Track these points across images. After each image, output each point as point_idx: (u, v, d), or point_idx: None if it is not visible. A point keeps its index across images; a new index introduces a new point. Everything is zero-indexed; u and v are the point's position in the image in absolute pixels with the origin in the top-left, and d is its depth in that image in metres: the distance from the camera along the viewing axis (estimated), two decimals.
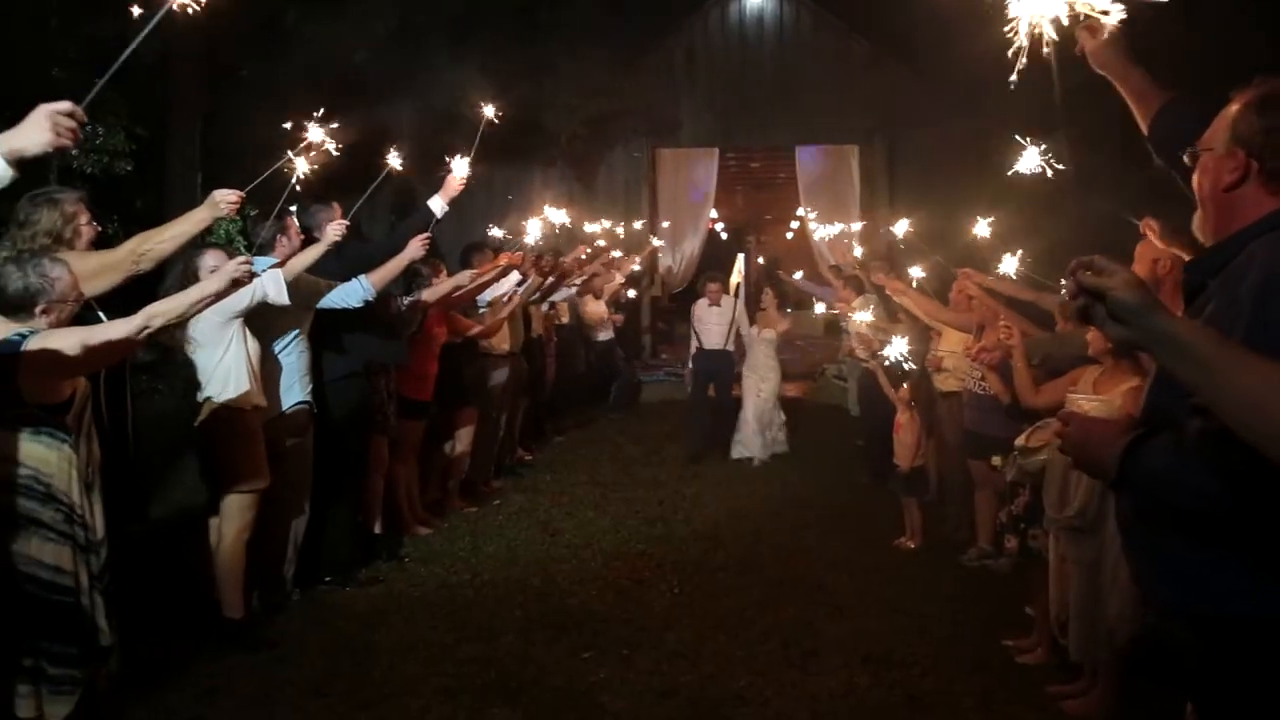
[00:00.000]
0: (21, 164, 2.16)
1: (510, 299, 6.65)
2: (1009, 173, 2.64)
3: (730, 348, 8.32)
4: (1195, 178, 1.70)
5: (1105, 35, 2.12)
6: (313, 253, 4.22)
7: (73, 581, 2.83)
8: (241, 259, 3.18)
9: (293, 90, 8.60)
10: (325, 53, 9.83)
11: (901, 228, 6.20)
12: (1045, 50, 1.92)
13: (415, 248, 4.79)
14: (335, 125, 3.81)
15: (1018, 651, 4.08)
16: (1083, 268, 1.34)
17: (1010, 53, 1.92)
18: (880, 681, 3.84)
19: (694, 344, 8.48)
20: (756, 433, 7.96)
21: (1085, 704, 3.53)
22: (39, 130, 2.13)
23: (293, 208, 4.73)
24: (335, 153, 3.81)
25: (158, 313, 2.91)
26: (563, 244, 8.79)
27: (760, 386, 8.08)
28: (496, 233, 6.35)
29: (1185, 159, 1.72)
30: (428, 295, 5.37)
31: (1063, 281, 1.48)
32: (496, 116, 4.93)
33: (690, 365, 8.62)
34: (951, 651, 4.11)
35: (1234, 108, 1.63)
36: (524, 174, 12.91)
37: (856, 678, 3.87)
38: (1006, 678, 3.87)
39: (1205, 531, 1.50)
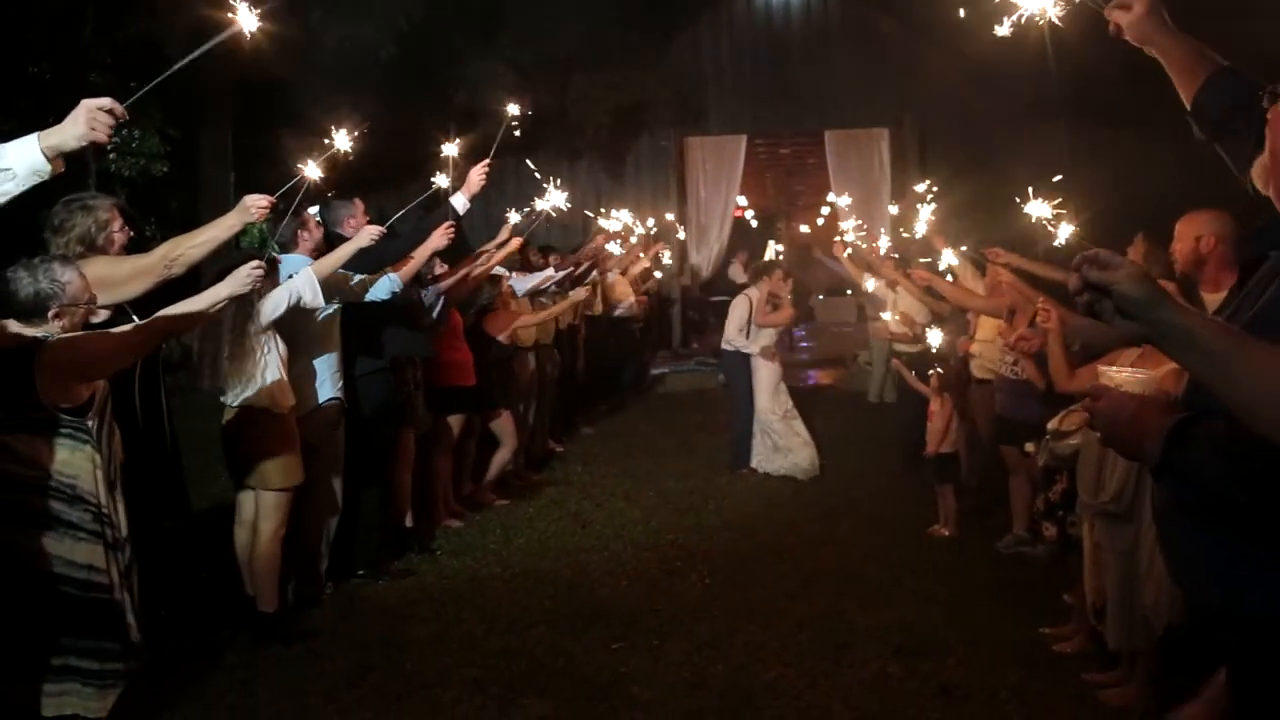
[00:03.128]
0: (66, 160, 2.26)
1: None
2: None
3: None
4: (1270, 128, 1.56)
5: (1140, 8, 2.05)
6: (343, 252, 4.25)
7: (108, 579, 2.88)
8: (254, 264, 3.21)
9: (320, 88, 8.67)
10: (350, 50, 9.89)
11: (925, 214, 6.11)
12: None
13: (439, 238, 4.81)
14: (361, 129, 3.85)
15: (1055, 640, 4.01)
16: (1088, 263, 1.30)
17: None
18: (914, 672, 3.79)
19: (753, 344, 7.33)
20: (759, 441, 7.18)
21: (1123, 694, 3.47)
22: (75, 124, 2.20)
23: (314, 206, 4.79)
24: (349, 154, 3.83)
25: (173, 316, 2.95)
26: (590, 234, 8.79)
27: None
28: (515, 217, 6.40)
29: (1264, 100, 1.58)
30: (443, 287, 5.42)
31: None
32: (522, 112, 4.93)
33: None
34: (986, 641, 4.05)
35: None
36: (551, 166, 12.90)
37: (889, 668, 3.83)
38: (1043, 667, 3.80)
39: (1252, 527, 1.41)
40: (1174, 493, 1.56)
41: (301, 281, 4.04)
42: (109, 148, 10.31)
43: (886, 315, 6.90)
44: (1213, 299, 2.87)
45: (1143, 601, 3.33)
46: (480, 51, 11.08)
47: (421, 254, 4.81)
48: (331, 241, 4.63)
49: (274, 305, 3.99)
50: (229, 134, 10.49)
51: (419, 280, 5.31)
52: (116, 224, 3.49)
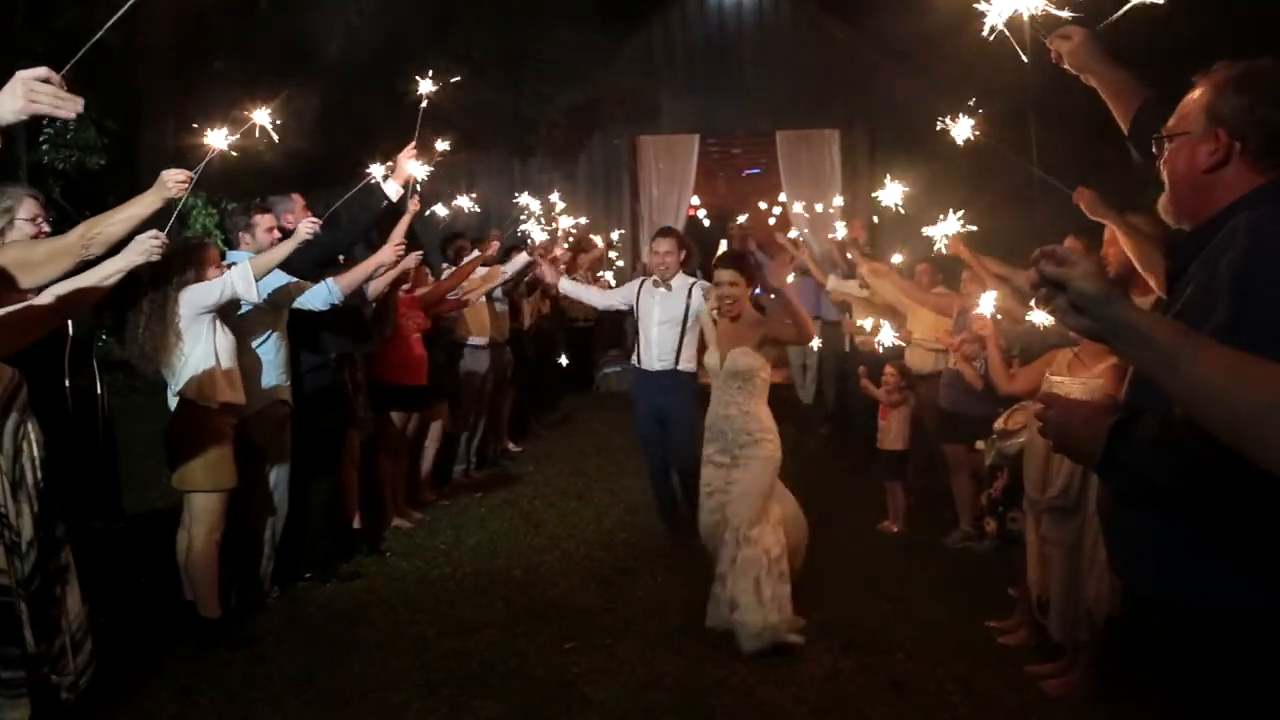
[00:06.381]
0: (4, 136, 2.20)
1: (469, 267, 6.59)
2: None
3: (685, 366, 5.10)
4: (1166, 163, 1.69)
5: (1078, 39, 2.18)
6: (281, 250, 4.10)
7: (10, 581, 2.73)
8: (152, 233, 3.15)
9: (267, 81, 8.49)
10: (299, 42, 9.71)
11: (893, 194, 6.04)
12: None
13: (387, 253, 4.68)
14: (279, 108, 3.69)
15: (1000, 633, 4.09)
16: (1045, 257, 1.33)
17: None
18: (864, 667, 3.83)
19: (634, 355, 5.37)
20: (721, 583, 4.03)
21: (1064, 684, 3.55)
22: (12, 98, 2.11)
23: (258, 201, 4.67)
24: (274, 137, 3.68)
25: (66, 294, 2.87)
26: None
27: (726, 476, 4.15)
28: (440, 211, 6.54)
29: (1153, 147, 1.71)
30: (372, 292, 5.04)
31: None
32: (443, 88, 4.79)
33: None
34: (934, 635, 4.12)
35: (1206, 89, 1.61)
36: (503, 164, 12.84)
37: (840, 663, 3.87)
38: (989, 659, 3.88)
39: (1189, 519, 1.46)
40: (1118, 489, 1.61)
41: (237, 274, 3.92)
42: (42, 140, 9.98)
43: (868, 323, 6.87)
44: (1143, 302, 2.96)
45: (1085, 594, 3.42)
46: (431, 47, 10.95)
47: (366, 267, 4.64)
48: (282, 237, 4.54)
49: (204, 295, 3.89)
50: (169, 127, 10.21)
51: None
52: (23, 211, 3.43)
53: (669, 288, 5.19)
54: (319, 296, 4.47)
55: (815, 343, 9.30)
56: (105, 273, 3.09)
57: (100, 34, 2.31)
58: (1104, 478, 1.61)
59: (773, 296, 5.27)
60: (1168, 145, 1.68)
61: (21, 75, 2.11)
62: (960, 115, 2.48)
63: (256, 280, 3.96)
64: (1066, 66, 2.25)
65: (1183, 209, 1.68)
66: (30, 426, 2.86)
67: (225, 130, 3.49)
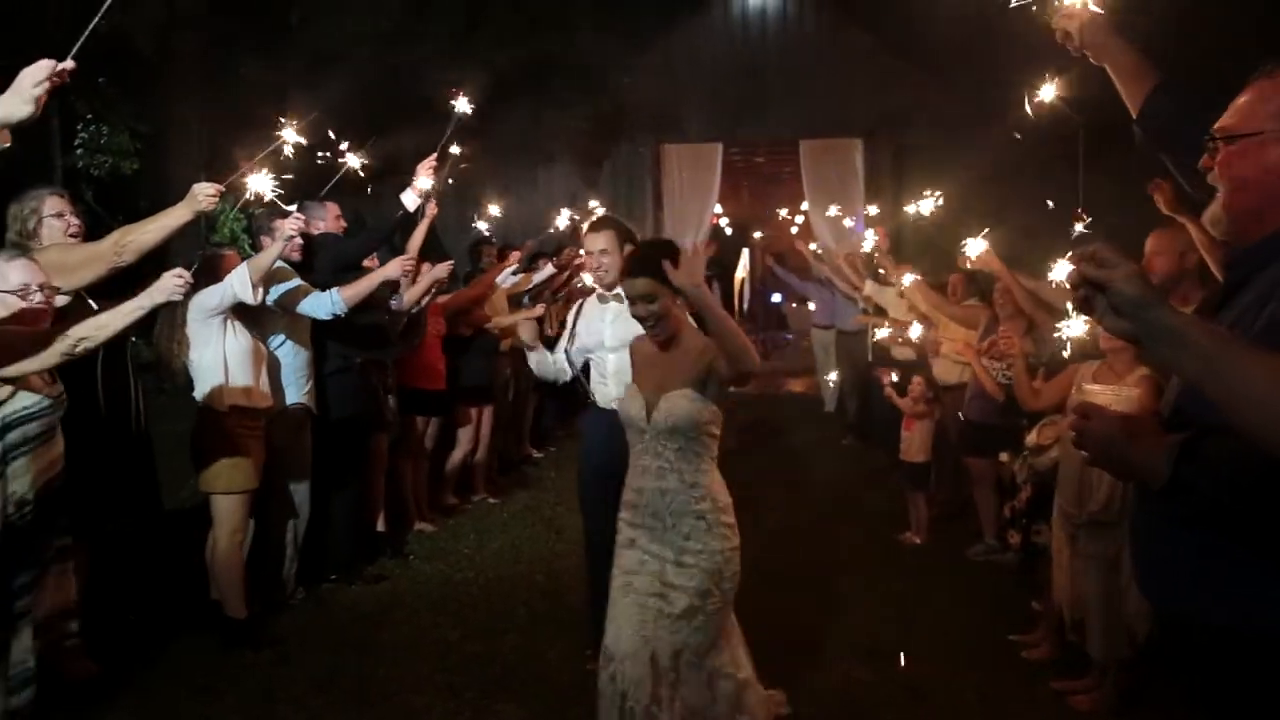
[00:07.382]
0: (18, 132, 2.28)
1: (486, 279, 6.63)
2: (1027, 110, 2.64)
3: None
4: (1223, 165, 1.57)
5: (1088, 17, 2.11)
6: (272, 251, 4.06)
7: None
8: (176, 271, 3.11)
9: (295, 87, 8.60)
10: (328, 49, 9.82)
11: (926, 206, 5.96)
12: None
13: (394, 268, 4.71)
14: (306, 116, 3.77)
15: (1022, 647, 4.05)
16: (1086, 259, 1.30)
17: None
18: (881, 676, 3.82)
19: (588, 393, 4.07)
20: None
21: (1094, 699, 3.51)
22: (19, 96, 2.23)
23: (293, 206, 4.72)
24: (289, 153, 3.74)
25: (85, 335, 2.94)
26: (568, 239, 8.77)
27: (661, 573, 2.88)
28: (481, 226, 6.97)
29: (1208, 145, 1.59)
30: (408, 300, 5.16)
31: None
32: (474, 106, 4.83)
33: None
34: (954, 646, 4.09)
35: (1275, 88, 1.51)
36: (526, 172, 12.90)
37: (857, 672, 3.85)
38: (1010, 672, 3.85)
39: (1249, 540, 1.40)
40: (1168, 506, 1.52)
41: (235, 277, 3.93)
42: (76, 145, 10.15)
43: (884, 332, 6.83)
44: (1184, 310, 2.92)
45: (1125, 610, 3.37)
46: (455, 55, 11.04)
47: (371, 280, 4.64)
48: (306, 242, 4.59)
49: (208, 299, 3.93)
50: (201, 133, 10.34)
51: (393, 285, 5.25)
52: (48, 209, 3.51)
53: (619, 299, 3.65)
54: (322, 307, 4.42)
55: (832, 375, 9.19)
56: (127, 310, 3.08)
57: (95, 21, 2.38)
58: (1167, 497, 1.49)
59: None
60: (1224, 147, 1.56)
61: (29, 72, 2.19)
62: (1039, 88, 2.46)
63: (254, 282, 3.90)
64: (1074, 46, 2.15)
65: (1246, 216, 1.55)
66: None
67: (265, 175, 3.57)
